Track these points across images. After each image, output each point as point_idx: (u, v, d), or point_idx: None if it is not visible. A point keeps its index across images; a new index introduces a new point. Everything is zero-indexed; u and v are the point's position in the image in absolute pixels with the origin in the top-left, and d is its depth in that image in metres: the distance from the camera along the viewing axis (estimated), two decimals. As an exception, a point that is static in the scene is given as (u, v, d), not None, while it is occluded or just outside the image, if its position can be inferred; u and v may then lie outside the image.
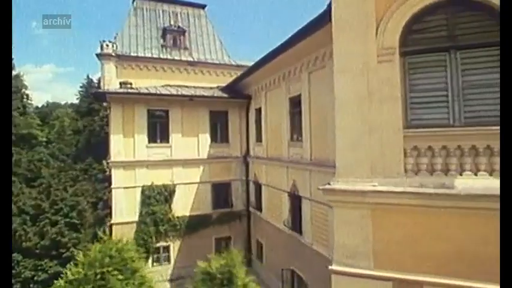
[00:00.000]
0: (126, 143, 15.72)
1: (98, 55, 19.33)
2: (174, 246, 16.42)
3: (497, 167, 4.64)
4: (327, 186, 5.23)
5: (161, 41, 21.75)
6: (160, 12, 22.90)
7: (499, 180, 4.64)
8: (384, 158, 5.01)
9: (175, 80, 20.53)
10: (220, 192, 17.51)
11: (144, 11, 22.64)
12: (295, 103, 12.55)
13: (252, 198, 17.28)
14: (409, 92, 5.08)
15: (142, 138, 16.02)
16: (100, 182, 19.48)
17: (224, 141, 17.96)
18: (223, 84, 19.47)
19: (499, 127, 4.64)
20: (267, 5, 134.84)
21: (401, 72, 5.09)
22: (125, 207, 15.49)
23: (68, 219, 19.32)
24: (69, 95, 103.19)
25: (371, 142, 5.06)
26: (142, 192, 15.75)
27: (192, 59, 21.63)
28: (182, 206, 16.57)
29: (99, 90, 17.27)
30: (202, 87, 19.37)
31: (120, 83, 17.06)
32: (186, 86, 19.31)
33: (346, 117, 5.24)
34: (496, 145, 4.64)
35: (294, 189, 12.48)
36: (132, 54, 20.30)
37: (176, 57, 21.38)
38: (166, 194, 16.15)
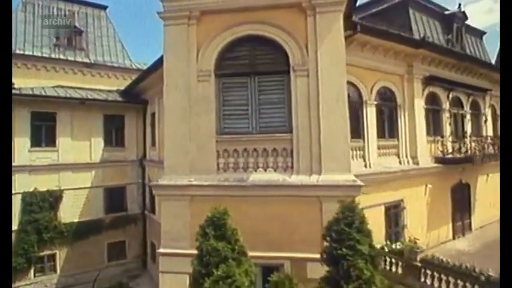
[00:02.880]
0: (4, 147, 14.68)
1: (-27, 50, 17.56)
2: (61, 254, 15.77)
3: (280, 164, 6.22)
4: (155, 183, 6.27)
5: (54, 40, 20.62)
6: (55, 9, 21.70)
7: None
8: (201, 158, 6.24)
9: (70, 82, 19.66)
10: (115, 197, 17.35)
11: (35, 6, 21.19)
12: (180, 110, 13.46)
13: (148, 201, 17.60)
14: (222, 106, 6.43)
15: (24, 141, 15.14)
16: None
17: (120, 145, 17.88)
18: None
19: (281, 134, 6.25)
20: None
21: (216, 90, 6.41)
22: (1, 216, 14.44)
23: None
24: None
25: (191, 146, 6.25)
26: (23, 199, 14.87)
27: (88, 61, 20.95)
28: (71, 212, 16.02)
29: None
30: (100, 90, 18.97)
31: (-2, 83, 15.82)
32: (80, 88, 18.66)
33: (172, 125, 6.36)
34: (280, 148, 6.23)
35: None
36: (17, 51, 18.83)
37: (70, 58, 20.46)
38: (52, 200, 15.46)
